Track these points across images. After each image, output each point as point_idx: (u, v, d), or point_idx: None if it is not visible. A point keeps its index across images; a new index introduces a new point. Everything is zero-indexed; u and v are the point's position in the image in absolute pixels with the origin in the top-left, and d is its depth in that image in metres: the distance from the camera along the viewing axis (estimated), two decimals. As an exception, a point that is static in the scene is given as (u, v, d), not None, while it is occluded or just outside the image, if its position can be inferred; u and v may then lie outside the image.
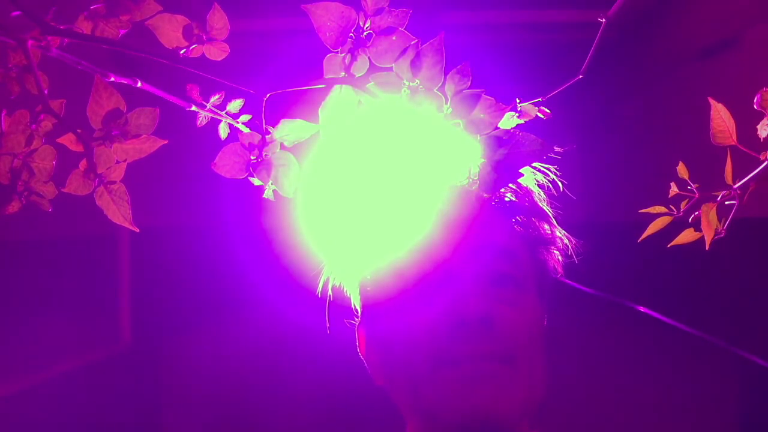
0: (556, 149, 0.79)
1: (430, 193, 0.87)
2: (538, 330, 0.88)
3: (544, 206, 0.93)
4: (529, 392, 0.84)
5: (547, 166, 0.91)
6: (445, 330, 0.84)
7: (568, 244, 0.95)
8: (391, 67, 0.71)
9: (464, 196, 0.88)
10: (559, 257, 0.94)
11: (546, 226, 0.93)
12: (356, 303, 0.97)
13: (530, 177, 0.92)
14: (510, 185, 0.91)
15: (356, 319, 0.97)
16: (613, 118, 2.26)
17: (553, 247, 0.94)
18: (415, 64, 0.70)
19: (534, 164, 0.90)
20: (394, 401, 0.92)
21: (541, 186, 0.93)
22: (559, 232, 0.94)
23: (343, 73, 0.72)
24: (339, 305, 0.98)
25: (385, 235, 0.89)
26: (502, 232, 0.90)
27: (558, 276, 0.95)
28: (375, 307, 0.92)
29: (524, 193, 0.92)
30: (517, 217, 0.91)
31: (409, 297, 0.87)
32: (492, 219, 0.90)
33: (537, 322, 0.89)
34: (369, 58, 0.71)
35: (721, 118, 0.72)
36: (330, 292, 0.97)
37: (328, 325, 0.97)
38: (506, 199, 0.91)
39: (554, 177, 0.92)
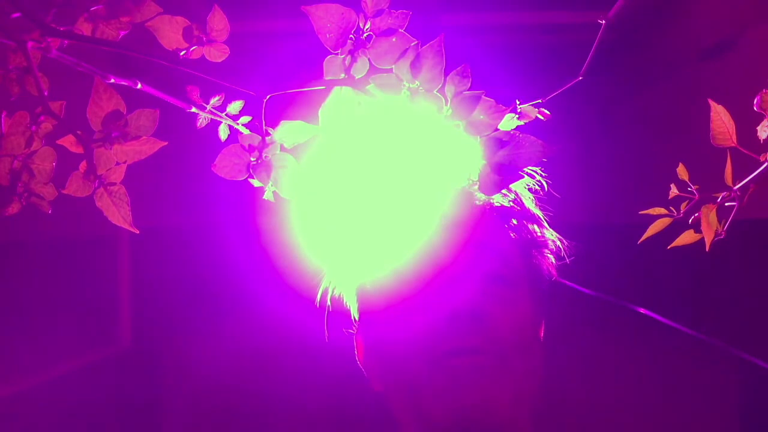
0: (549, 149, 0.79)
1: (430, 196, 0.87)
2: (531, 330, 0.89)
3: (535, 209, 0.94)
4: (519, 390, 0.84)
5: (535, 168, 0.91)
6: (440, 326, 0.84)
7: (560, 246, 0.95)
8: (391, 68, 0.71)
9: (459, 200, 0.89)
10: (552, 259, 0.95)
11: (537, 229, 0.93)
12: (354, 310, 0.97)
13: (520, 180, 0.92)
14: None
15: (354, 327, 0.97)
16: (612, 119, 2.26)
17: (545, 250, 0.94)
18: (415, 66, 0.70)
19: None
20: (391, 407, 0.92)
21: (530, 189, 0.93)
22: (551, 235, 0.95)
23: (343, 75, 0.72)
24: (338, 312, 0.98)
25: (385, 238, 0.89)
26: (496, 234, 0.90)
27: (552, 278, 0.95)
28: (374, 311, 0.92)
29: (515, 196, 0.93)
30: (510, 221, 0.91)
31: (409, 300, 0.87)
32: (486, 222, 0.90)
33: (530, 322, 0.89)
34: (369, 59, 0.71)
35: (721, 120, 0.72)
36: (329, 300, 0.97)
37: (326, 333, 0.97)
38: (498, 202, 0.92)
39: (541, 179, 0.92)
